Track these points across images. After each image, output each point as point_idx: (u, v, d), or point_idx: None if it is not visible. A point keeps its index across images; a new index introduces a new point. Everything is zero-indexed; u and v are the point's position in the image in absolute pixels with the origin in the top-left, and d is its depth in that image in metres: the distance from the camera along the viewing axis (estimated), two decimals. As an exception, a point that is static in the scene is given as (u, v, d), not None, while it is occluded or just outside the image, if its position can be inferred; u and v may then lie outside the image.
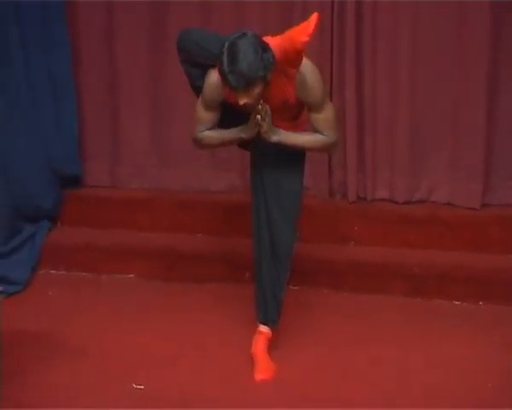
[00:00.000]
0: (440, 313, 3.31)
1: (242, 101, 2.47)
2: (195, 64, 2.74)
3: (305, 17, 3.65)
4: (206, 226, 3.89)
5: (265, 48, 2.47)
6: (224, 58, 2.42)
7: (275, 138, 2.63)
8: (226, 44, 2.43)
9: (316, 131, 2.72)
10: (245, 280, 3.36)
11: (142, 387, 2.73)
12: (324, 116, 2.71)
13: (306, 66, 2.62)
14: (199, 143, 2.83)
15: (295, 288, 3.44)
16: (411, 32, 3.74)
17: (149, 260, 3.81)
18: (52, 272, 3.86)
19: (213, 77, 2.62)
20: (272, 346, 2.92)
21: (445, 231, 3.67)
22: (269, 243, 2.86)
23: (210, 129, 2.77)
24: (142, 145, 4.21)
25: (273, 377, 2.80)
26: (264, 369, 2.83)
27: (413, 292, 3.46)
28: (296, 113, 2.78)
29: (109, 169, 4.29)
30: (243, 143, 2.86)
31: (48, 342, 3.11)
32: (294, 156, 2.82)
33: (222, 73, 2.46)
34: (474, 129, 3.71)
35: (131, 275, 3.79)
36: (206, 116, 2.75)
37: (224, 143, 2.82)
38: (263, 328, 2.90)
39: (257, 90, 2.46)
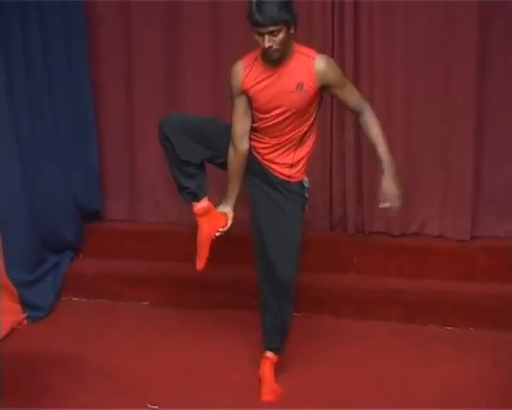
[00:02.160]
0: (433, 338, 3.31)
1: (267, 44, 2.45)
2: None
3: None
4: (216, 257, 3.81)
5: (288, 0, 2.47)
6: (253, 4, 2.43)
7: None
8: None
9: (352, 107, 2.73)
10: (251, 307, 3.35)
11: (157, 407, 2.74)
12: (350, 88, 2.72)
13: (322, 55, 2.64)
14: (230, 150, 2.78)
15: (299, 314, 3.41)
16: (404, 74, 3.74)
17: (163, 288, 3.81)
18: (74, 299, 3.87)
19: (238, 65, 2.65)
20: (278, 367, 2.92)
21: (438, 261, 3.68)
22: (269, 279, 2.80)
23: (245, 125, 2.71)
24: (158, 183, 4.20)
25: (278, 400, 2.80)
26: (269, 391, 2.83)
27: (408, 318, 3.47)
28: (304, 123, 2.69)
29: (127, 204, 4.30)
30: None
31: (70, 363, 3.12)
32: (296, 198, 2.80)
33: (250, 16, 2.44)
34: (463, 168, 3.74)
35: (146, 302, 3.80)
36: (238, 106, 2.70)
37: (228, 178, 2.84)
38: (268, 354, 2.90)
39: (280, 35, 2.44)
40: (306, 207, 2.85)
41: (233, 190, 2.83)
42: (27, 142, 3.66)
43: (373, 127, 2.71)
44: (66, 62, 3.97)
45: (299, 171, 2.77)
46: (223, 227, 2.84)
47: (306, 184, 2.81)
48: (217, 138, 2.76)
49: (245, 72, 2.61)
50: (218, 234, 2.84)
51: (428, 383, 2.88)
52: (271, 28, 2.42)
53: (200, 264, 2.91)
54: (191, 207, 2.84)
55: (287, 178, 2.76)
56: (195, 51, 4.00)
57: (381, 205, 2.66)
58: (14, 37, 3.54)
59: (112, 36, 4.13)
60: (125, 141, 4.25)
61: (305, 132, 2.72)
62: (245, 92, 2.64)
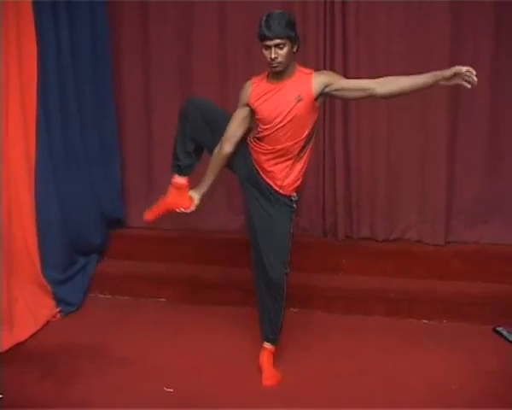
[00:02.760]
0: (412, 330, 3.38)
1: (273, 55, 2.55)
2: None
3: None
4: (224, 259, 3.95)
5: (292, 21, 2.59)
6: (262, 21, 2.57)
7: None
8: (265, 13, 2.58)
9: (363, 87, 2.62)
10: (256, 304, 3.30)
11: (172, 390, 2.79)
12: (352, 80, 2.75)
13: (317, 71, 2.75)
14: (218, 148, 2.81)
15: (295, 310, 3.51)
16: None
17: (178, 287, 3.87)
18: (100, 296, 3.94)
19: (248, 83, 2.76)
20: (276, 358, 2.97)
21: (416, 263, 3.74)
22: (264, 279, 2.84)
23: (238, 131, 2.75)
24: None
25: (277, 384, 2.85)
26: (269, 377, 2.89)
27: (391, 313, 3.52)
28: (300, 133, 2.69)
29: None
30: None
31: (96, 351, 3.19)
32: (283, 207, 2.82)
33: (260, 32, 2.57)
34: (437, 183, 3.82)
35: (163, 299, 3.86)
36: (239, 113, 2.76)
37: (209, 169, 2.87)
38: (266, 345, 2.96)
39: (285, 49, 2.56)
40: (294, 216, 2.85)
41: (207, 181, 2.88)
42: (61, 160, 3.74)
43: (396, 80, 2.57)
44: (94, 92, 4.06)
45: (289, 184, 2.79)
46: (185, 208, 2.91)
47: (294, 198, 2.83)
48: (222, 131, 2.80)
49: (252, 88, 2.72)
50: (178, 210, 2.90)
51: (409, 368, 2.94)
52: (277, 41, 2.54)
53: (148, 216, 2.99)
54: (172, 176, 2.89)
55: (278, 189, 2.79)
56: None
57: (467, 77, 2.39)
58: (48, 57, 3.59)
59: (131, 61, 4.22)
60: (144, 160, 4.35)
61: (302, 148, 2.73)
62: (250, 105, 2.72)
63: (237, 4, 3.96)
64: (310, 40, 3.86)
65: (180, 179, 2.90)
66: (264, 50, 2.60)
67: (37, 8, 3.46)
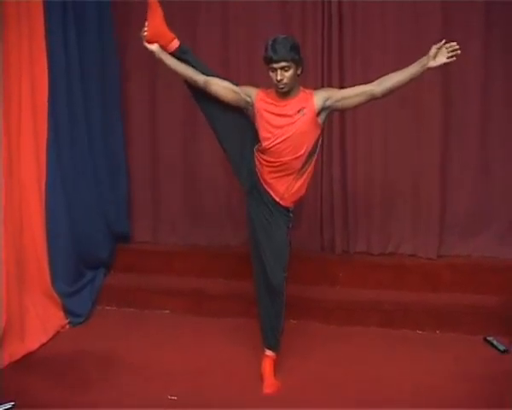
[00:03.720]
0: (407, 340, 3.40)
1: (279, 77, 2.65)
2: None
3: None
4: (227, 273, 3.98)
5: (296, 45, 2.70)
6: (268, 46, 2.67)
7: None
8: (270, 38, 2.70)
9: (363, 91, 2.71)
10: (255, 315, 3.20)
11: (176, 398, 2.81)
12: (350, 88, 2.82)
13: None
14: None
15: (294, 321, 3.52)
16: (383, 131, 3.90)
17: (181, 299, 3.89)
18: (107, 307, 3.95)
19: (256, 88, 2.85)
20: (277, 366, 2.99)
21: (410, 276, 3.77)
22: (264, 283, 2.88)
23: (218, 89, 2.80)
24: (177, 211, 4.35)
25: (277, 392, 2.87)
26: (269, 385, 2.91)
27: (385, 324, 3.54)
28: (301, 147, 2.76)
29: (151, 228, 4.42)
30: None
31: (104, 359, 3.22)
32: (280, 215, 2.87)
33: (266, 55, 2.67)
34: (430, 199, 3.88)
35: (167, 311, 3.88)
36: (235, 88, 2.82)
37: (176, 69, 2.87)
38: (268, 352, 2.99)
39: (290, 71, 2.67)
40: (291, 224, 2.92)
41: (168, 60, 2.86)
42: (69, 177, 3.75)
43: (390, 76, 2.68)
44: (103, 117, 4.09)
45: (290, 198, 2.85)
46: (146, 35, 2.85)
47: (291, 208, 2.90)
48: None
49: (258, 91, 2.81)
50: (145, 27, 2.85)
51: (403, 376, 2.97)
52: (283, 64, 2.65)
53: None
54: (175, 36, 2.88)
55: (278, 200, 2.84)
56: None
57: (450, 51, 2.55)
58: (59, 74, 3.60)
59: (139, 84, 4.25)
60: (150, 177, 4.38)
61: (303, 164, 2.78)
62: (253, 102, 2.79)
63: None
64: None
65: (175, 43, 2.88)
66: (270, 73, 2.71)
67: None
